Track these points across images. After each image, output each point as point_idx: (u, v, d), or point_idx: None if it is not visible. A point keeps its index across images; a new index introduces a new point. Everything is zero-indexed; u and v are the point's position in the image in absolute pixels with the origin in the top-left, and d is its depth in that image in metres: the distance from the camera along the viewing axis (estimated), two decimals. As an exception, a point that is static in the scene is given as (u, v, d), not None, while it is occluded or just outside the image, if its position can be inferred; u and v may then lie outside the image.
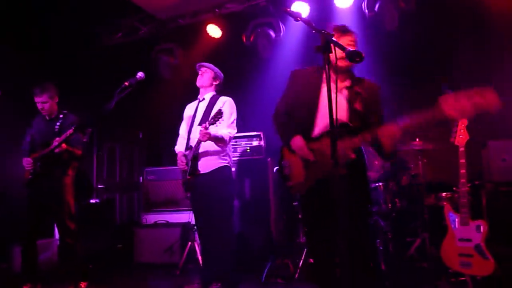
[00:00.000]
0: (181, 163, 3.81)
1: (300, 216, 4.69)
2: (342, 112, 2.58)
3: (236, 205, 5.31)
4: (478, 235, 3.41)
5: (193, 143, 3.76)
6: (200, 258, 4.78)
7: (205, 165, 3.75)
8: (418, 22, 5.33)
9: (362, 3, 5.34)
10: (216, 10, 6.01)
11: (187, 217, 5.13)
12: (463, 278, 3.58)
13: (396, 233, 4.68)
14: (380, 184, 4.61)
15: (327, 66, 2.01)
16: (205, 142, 3.63)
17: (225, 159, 3.83)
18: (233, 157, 5.37)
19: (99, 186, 6.53)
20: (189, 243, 4.98)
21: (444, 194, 4.37)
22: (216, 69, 4.03)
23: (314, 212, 2.86)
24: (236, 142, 5.55)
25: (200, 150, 3.72)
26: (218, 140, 3.69)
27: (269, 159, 5.46)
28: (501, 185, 4.42)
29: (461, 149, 3.53)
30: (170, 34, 6.41)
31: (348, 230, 2.11)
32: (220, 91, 4.07)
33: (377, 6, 5.21)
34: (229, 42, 6.28)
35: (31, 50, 5.67)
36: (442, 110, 2.28)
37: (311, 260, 4.06)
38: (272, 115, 3.02)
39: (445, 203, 3.93)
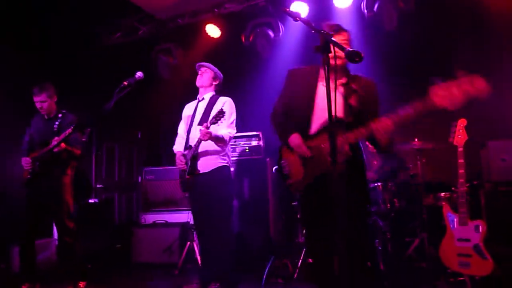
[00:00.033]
0: (180, 162, 3.81)
1: (299, 216, 4.69)
2: (338, 108, 2.57)
3: (235, 205, 5.31)
4: (476, 235, 3.42)
5: (192, 142, 3.76)
6: (199, 258, 4.79)
7: (205, 165, 3.75)
8: (417, 22, 5.34)
9: (361, 3, 5.34)
10: (215, 10, 6.01)
11: (186, 217, 5.13)
12: (461, 278, 3.59)
13: (395, 233, 4.68)
14: (379, 184, 4.62)
15: (326, 66, 2.01)
16: (205, 142, 3.62)
17: (225, 159, 3.84)
18: (232, 157, 5.38)
19: (98, 185, 6.52)
20: (188, 243, 4.99)
21: (442, 194, 4.38)
22: (216, 69, 4.03)
23: (312, 211, 2.87)
24: (235, 142, 5.55)
25: (200, 150, 3.72)
26: (218, 140, 3.69)
27: (268, 159, 5.47)
28: (500, 185, 4.43)
29: (460, 149, 3.54)
30: (169, 34, 6.41)
31: (347, 229, 2.11)
32: (219, 91, 4.07)
33: (376, 6, 5.21)
34: (228, 42, 6.28)
35: (31, 50, 5.66)
36: (432, 101, 2.31)
37: (310, 260, 4.07)
38: (270, 114, 3.05)
39: (443, 203, 3.95)
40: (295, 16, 2.28)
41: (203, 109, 3.89)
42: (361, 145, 2.92)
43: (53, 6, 5.45)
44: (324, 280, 2.89)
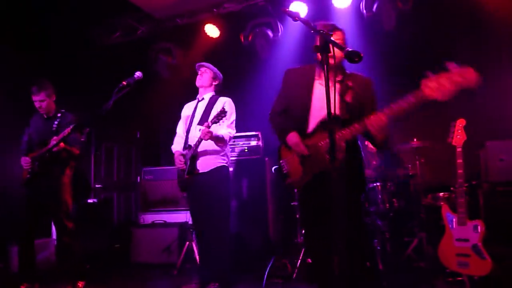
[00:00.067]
0: (179, 162, 3.81)
1: (297, 216, 4.69)
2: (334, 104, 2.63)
3: (234, 205, 5.32)
4: (475, 235, 3.42)
5: (191, 142, 3.76)
6: (198, 258, 4.78)
7: (204, 164, 3.75)
8: (416, 22, 5.34)
9: (360, 3, 5.34)
10: (214, 9, 6.00)
11: (184, 217, 5.13)
12: (460, 278, 3.59)
13: (394, 233, 4.69)
14: (378, 184, 4.62)
15: (325, 66, 2.02)
16: (205, 142, 3.62)
17: (224, 159, 3.84)
18: (231, 157, 5.38)
19: (97, 185, 6.52)
20: (187, 243, 4.98)
21: (441, 194, 4.39)
22: (216, 69, 4.03)
23: (312, 210, 2.90)
24: (234, 142, 5.55)
25: (199, 149, 3.72)
26: (218, 140, 3.69)
27: (267, 159, 5.47)
28: (498, 185, 4.43)
29: (459, 149, 3.54)
30: (168, 33, 6.40)
31: (346, 228, 2.12)
32: (219, 91, 4.07)
33: (375, 6, 5.22)
34: (227, 42, 6.28)
35: (31, 50, 5.67)
36: (423, 93, 2.35)
37: (309, 260, 4.07)
38: (269, 114, 3.09)
39: (442, 203, 3.95)
40: (295, 16, 2.29)
41: (203, 109, 3.90)
42: (360, 144, 2.94)
43: (53, 6, 5.46)
44: (323, 280, 2.90)
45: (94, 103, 3.53)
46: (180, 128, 4.09)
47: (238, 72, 6.22)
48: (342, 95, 2.75)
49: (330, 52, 2.06)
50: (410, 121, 5.45)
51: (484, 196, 4.44)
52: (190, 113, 3.99)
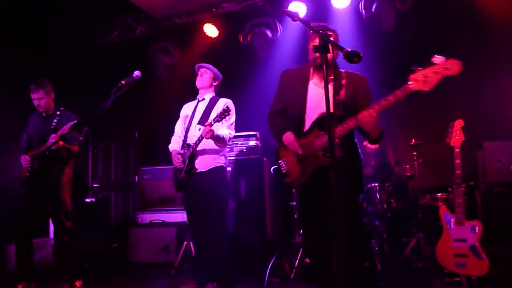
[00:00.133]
0: (178, 160, 3.80)
1: (296, 216, 4.69)
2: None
3: (232, 205, 5.32)
4: (473, 236, 3.43)
5: (190, 141, 3.76)
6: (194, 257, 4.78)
7: (203, 164, 3.75)
8: (415, 22, 5.35)
9: (359, 3, 5.35)
10: (213, 9, 6.01)
11: (182, 216, 5.12)
12: (458, 279, 3.60)
13: (392, 233, 4.70)
14: (376, 184, 4.63)
15: (325, 66, 2.02)
16: (204, 141, 3.62)
17: (222, 159, 3.84)
18: (230, 156, 5.38)
19: (95, 185, 6.51)
20: (185, 242, 4.97)
21: (439, 194, 4.39)
22: (215, 70, 4.03)
23: (310, 209, 2.95)
24: (232, 141, 5.54)
25: (198, 149, 3.71)
26: (219, 139, 3.69)
27: (265, 158, 5.47)
28: (495, 186, 4.44)
29: (457, 149, 3.55)
30: (166, 33, 6.40)
31: (345, 228, 2.13)
32: (219, 91, 4.07)
33: (374, 6, 5.22)
34: (226, 42, 6.28)
35: (31, 50, 5.68)
36: (410, 87, 2.45)
37: (307, 260, 4.07)
38: (267, 114, 3.17)
39: (440, 203, 3.96)
40: (294, 16, 2.30)
41: (203, 109, 3.90)
42: (358, 144, 2.96)
43: (53, 6, 5.47)
44: (321, 280, 2.91)
45: (94, 103, 3.53)
46: (179, 128, 4.08)
47: (236, 72, 6.22)
48: (335, 93, 2.80)
49: (329, 52, 2.07)
50: (409, 122, 5.48)
51: (482, 197, 4.45)
52: (190, 112, 3.98)
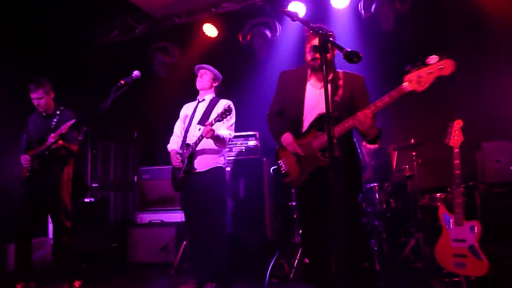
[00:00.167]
0: (176, 160, 3.80)
1: (295, 216, 4.69)
2: (324, 105, 2.68)
3: (231, 205, 5.32)
4: (472, 236, 3.43)
5: (190, 141, 3.76)
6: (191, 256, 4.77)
7: (202, 164, 3.75)
8: (414, 23, 5.35)
9: (358, 4, 5.35)
10: (213, 9, 6.00)
11: (182, 216, 5.09)
12: (457, 279, 3.60)
13: (391, 234, 4.69)
14: (375, 184, 4.63)
15: (324, 66, 2.02)
16: (204, 141, 3.62)
17: (221, 160, 3.85)
18: (229, 156, 5.38)
19: (94, 184, 6.50)
20: (184, 242, 4.97)
21: (438, 194, 4.39)
22: (215, 71, 4.02)
23: (309, 210, 2.96)
24: (231, 141, 5.53)
25: (198, 148, 3.71)
26: (219, 140, 3.69)
27: (264, 158, 5.47)
28: (494, 186, 4.45)
29: (456, 150, 3.55)
30: (166, 32, 6.39)
31: (344, 228, 2.13)
32: (219, 92, 4.07)
33: (373, 7, 5.22)
34: (226, 42, 6.28)
35: (31, 50, 5.68)
36: (405, 87, 2.45)
37: (306, 260, 4.07)
38: (267, 114, 3.19)
39: (439, 203, 3.96)
40: (293, 16, 2.30)
41: (203, 110, 3.90)
42: (357, 144, 2.96)
43: (53, 6, 5.48)
44: (320, 280, 2.91)
45: (94, 103, 3.53)
46: (178, 128, 4.08)
47: (236, 71, 6.22)
48: (332, 94, 2.81)
49: (329, 52, 2.07)
50: (408, 122, 5.49)
51: (481, 197, 4.46)
52: (190, 113, 3.98)
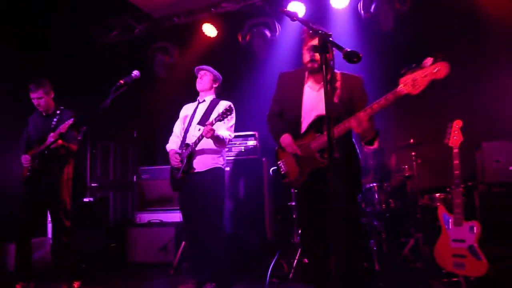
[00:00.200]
0: (175, 160, 3.80)
1: (294, 216, 4.69)
2: (322, 106, 2.70)
3: (231, 205, 5.31)
4: (471, 236, 3.43)
5: (189, 141, 3.76)
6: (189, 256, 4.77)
7: (201, 164, 3.74)
8: (413, 23, 5.35)
9: (358, 4, 5.35)
10: (212, 9, 6.00)
11: (181, 216, 5.11)
12: (456, 279, 3.60)
13: (390, 234, 4.70)
14: (374, 184, 4.63)
15: (324, 66, 2.02)
16: (203, 141, 3.62)
17: (220, 161, 3.84)
18: (228, 156, 5.38)
19: (93, 184, 6.50)
20: (183, 242, 4.97)
21: (437, 195, 4.40)
22: (215, 72, 4.02)
23: (308, 210, 2.97)
24: (231, 141, 5.54)
25: (197, 148, 3.71)
26: (218, 140, 3.69)
27: (263, 158, 5.46)
28: (493, 186, 4.45)
29: (455, 150, 3.55)
30: (166, 32, 6.39)
31: (342, 228, 2.13)
32: (219, 93, 4.07)
33: (372, 7, 5.22)
34: (225, 42, 6.28)
35: (31, 50, 5.68)
36: (400, 90, 2.44)
37: (305, 260, 4.07)
38: (267, 115, 3.22)
39: (438, 204, 3.96)
40: (293, 16, 2.30)
41: (204, 111, 3.90)
42: (356, 145, 2.97)
43: (53, 6, 5.48)
44: (319, 280, 2.91)
45: (94, 103, 3.53)
46: (177, 128, 4.08)
47: (235, 71, 6.21)
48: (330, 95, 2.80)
49: (329, 52, 2.07)
50: (407, 122, 5.48)
51: (480, 197, 4.46)
52: (190, 113, 3.98)
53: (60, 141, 3.86)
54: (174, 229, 5.29)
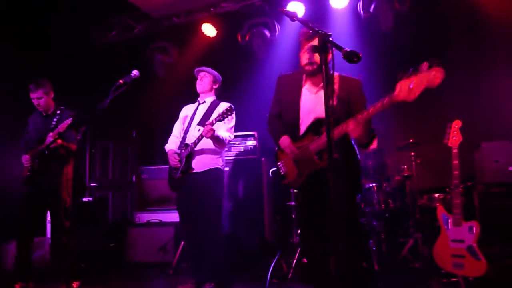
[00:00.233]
0: (174, 160, 3.79)
1: (293, 216, 4.69)
2: (319, 109, 2.79)
3: (230, 205, 5.31)
4: (470, 236, 3.44)
5: (189, 142, 3.75)
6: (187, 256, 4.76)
7: (200, 164, 3.74)
8: (413, 23, 5.36)
9: (357, 4, 5.35)
10: (212, 9, 5.99)
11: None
12: (455, 279, 3.61)
13: (389, 234, 4.70)
14: (374, 185, 4.64)
15: (324, 66, 2.02)
16: (203, 141, 3.62)
17: (219, 161, 3.84)
18: (228, 156, 5.37)
19: (92, 184, 6.49)
20: (182, 242, 4.96)
21: (437, 195, 4.40)
22: (215, 73, 4.02)
23: (308, 210, 2.98)
24: (230, 142, 5.54)
25: (196, 149, 3.71)
26: (218, 140, 3.68)
27: (263, 159, 5.46)
28: (493, 186, 4.45)
29: (455, 150, 3.55)
30: (165, 32, 6.39)
31: (342, 228, 2.14)
32: (219, 94, 4.07)
33: (372, 7, 5.23)
34: (224, 42, 6.27)
35: (31, 50, 5.68)
36: (395, 95, 2.42)
37: (305, 260, 4.08)
38: (267, 117, 3.26)
39: (438, 204, 3.97)
40: (292, 16, 2.30)
41: (204, 111, 3.90)
42: (356, 146, 2.97)
43: (53, 6, 5.49)
44: (318, 280, 2.91)
45: (94, 102, 3.53)
46: (177, 128, 4.08)
47: (235, 71, 6.21)
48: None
49: (329, 52, 2.07)
50: (407, 122, 5.49)
51: (479, 197, 4.46)
52: (190, 114, 3.98)
53: (59, 141, 3.86)
54: (173, 229, 5.29)
